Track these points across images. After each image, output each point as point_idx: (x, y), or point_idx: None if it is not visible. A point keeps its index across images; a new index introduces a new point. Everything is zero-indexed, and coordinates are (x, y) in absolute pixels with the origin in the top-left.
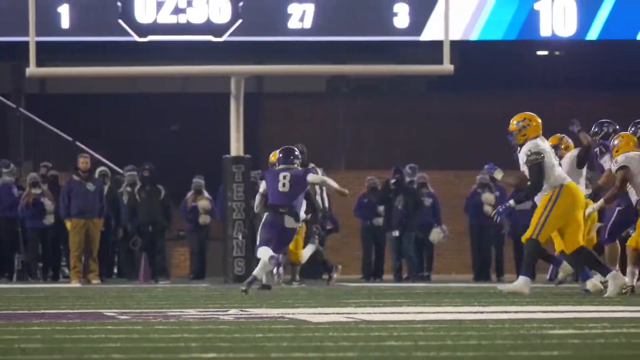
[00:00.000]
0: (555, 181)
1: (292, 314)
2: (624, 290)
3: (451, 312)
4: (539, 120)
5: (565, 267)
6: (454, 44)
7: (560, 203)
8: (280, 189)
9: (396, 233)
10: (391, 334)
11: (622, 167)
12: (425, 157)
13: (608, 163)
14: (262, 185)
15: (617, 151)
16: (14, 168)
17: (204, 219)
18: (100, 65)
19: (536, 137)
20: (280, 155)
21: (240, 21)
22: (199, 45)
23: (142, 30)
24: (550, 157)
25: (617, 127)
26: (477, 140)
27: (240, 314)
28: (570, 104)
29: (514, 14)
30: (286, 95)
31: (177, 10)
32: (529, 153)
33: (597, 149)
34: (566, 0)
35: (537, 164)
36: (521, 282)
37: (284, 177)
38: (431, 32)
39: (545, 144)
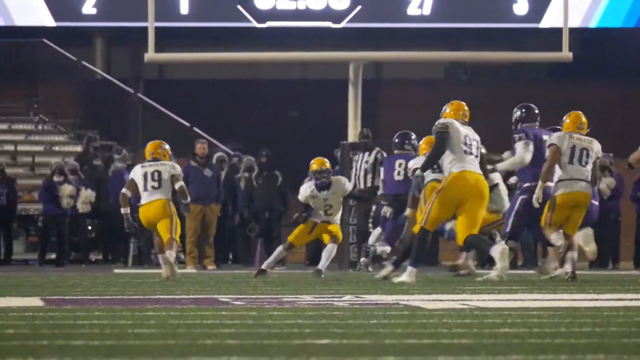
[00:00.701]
0: (446, 169)
1: (407, 300)
2: (567, 277)
3: (566, 300)
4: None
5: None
6: (572, 31)
7: (446, 191)
8: (396, 177)
9: None
10: (505, 320)
11: (552, 144)
12: None
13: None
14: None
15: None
16: (126, 154)
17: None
18: (219, 51)
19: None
20: (396, 140)
21: (359, 7)
22: (317, 31)
23: (261, 16)
24: (457, 141)
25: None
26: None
27: (355, 300)
28: None
29: (634, 1)
30: (404, 82)
31: None
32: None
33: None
34: None
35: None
36: (407, 272)
37: (399, 165)
38: (550, 19)
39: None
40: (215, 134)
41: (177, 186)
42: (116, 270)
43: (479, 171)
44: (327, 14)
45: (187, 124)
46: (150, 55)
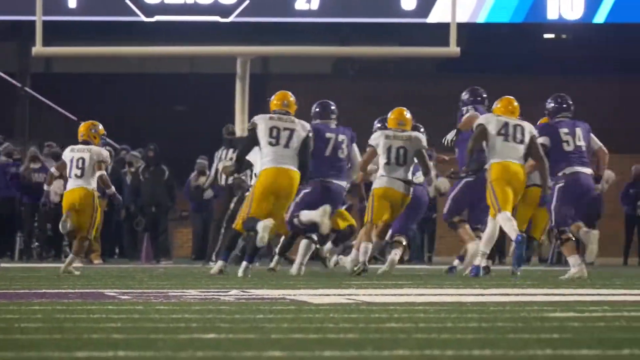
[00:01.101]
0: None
1: (293, 295)
2: (355, 268)
3: (452, 295)
4: None
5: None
6: (460, 26)
7: (258, 185)
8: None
9: None
10: (392, 315)
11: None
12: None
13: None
14: None
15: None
16: (9, 145)
17: (207, 193)
18: (107, 45)
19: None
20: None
21: (247, 2)
22: (205, 25)
23: (149, 10)
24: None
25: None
26: None
27: (241, 295)
28: (576, 87)
29: None
30: (292, 77)
31: None
32: None
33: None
34: None
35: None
36: (241, 268)
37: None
38: (438, 14)
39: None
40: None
41: (97, 174)
42: (2, 265)
43: None
44: (216, 8)
45: (74, 118)
46: (38, 49)
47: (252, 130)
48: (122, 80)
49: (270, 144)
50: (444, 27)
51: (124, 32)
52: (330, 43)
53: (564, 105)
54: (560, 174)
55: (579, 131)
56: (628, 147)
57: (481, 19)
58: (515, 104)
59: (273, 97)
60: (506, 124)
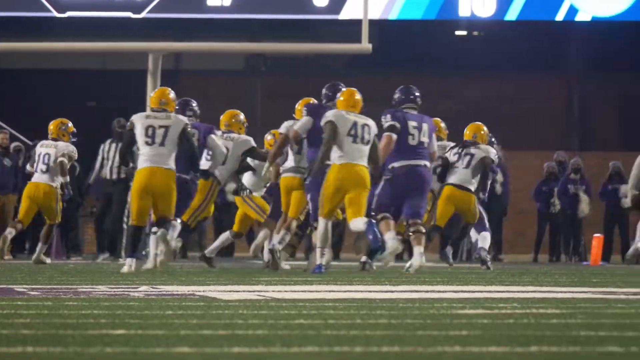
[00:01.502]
0: None
1: (203, 291)
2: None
3: (362, 291)
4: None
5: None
6: (372, 23)
7: (134, 184)
8: None
9: None
10: (301, 312)
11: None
12: None
13: None
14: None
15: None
16: None
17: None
18: (18, 40)
19: None
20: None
21: None
22: (118, 21)
23: (61, 5)
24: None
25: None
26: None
27: (151, 291)
28: (487, 84)
29: None
30: (204, 73)
31: None
32: None
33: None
34: None
35: None
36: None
37: None
38: (350, 10)
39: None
40: (14, 124)
41: (58, 160)
42: None
43: None
44: (128, 4)
45: None
46: None
47: (131, 130)
48: (34, 76)
49: (147, 143)
50: (355, 24)
51: (36, 28)
52: (242, 39)
53: (410, 97)
54: (394, 166)
55: (425, 127)
56: (540, 144)
57: (393, 15)
58: (357, 97)
59: (152, 94)
60: (355, 124)
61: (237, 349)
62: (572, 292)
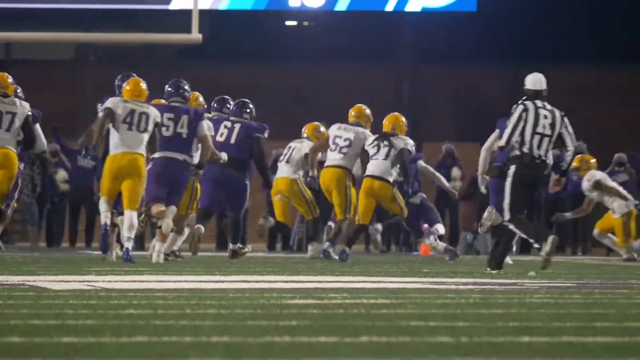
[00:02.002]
0: None
1: (33, 281)
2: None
3: (192, 281)
4: None
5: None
6: (203, 13)
7: None
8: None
9: None
10: (131, 302)
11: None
12: None
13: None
14: None
15: None
16: None
17: None
18: None
19: None
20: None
21: None
22: None
23: None
24: None
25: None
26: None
27: None
28: (318, 74)
29: None
30: (35, 63)
31: None
32: None
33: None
34: None
35: None
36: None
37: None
38: (180, 1)
39: None
40: None
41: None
42: None
43: None
44: None
45: None
46: None
47: None
48: None
49: None
50: (186, 14)
51: None
52: (72, 29)
53: (180, 90)
54: (154, 156)
55: (185, 118)
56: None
57: (223, 5)
58: (143, 86)
59: None
60: (132, 112)
61: (67, 339)
62: (403, 282)
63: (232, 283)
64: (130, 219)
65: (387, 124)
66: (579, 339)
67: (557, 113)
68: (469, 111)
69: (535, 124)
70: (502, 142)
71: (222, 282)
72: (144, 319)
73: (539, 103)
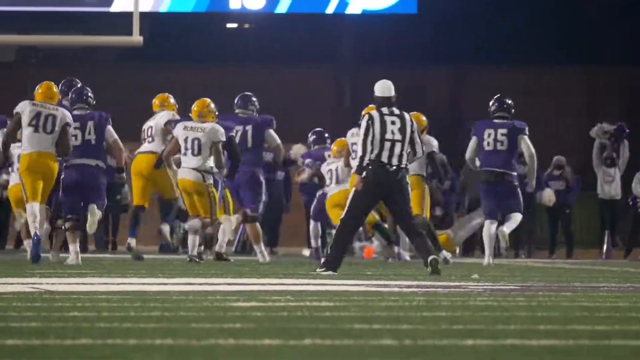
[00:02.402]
0: None
1: None
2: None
3: (136, 284)
4: None
5: None
6: (143, 15)
7: None
8: None
9: None
10: (75, 304)
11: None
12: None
13: None
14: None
15: None
16: None
17: None
18: None
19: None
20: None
21: None
22: None
23: None
24: None
25: None
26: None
27: None
28: (258, 77)
29: None
30: None
31: None
32: None
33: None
34: None
35: None
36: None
37: None
38: (121, 3)
39: None
40: None
41: None
42: None
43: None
44: None
45: None
46: None
47: None
48: None
49: None
50: (127, 16)
51: None
52: (12, 31)
53: (84, 97)
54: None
55: (90, 124)
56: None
57: (164, 8)
58: (55, 89)
59: None
60: (39, 114)
61: (11, 342)
62: (346, 284)
63: (176, 285)
64: (33, 212)
65: None
66: (523, 342)
67: (407, 117)
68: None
69: (383, 131)
70: (360, 155)
71: (166, 284)
72: (88, 322)
73: (385, 110)
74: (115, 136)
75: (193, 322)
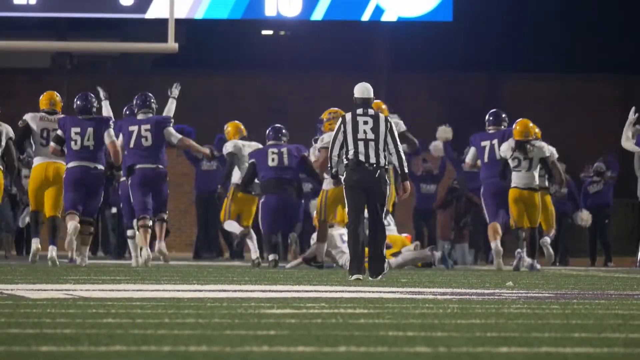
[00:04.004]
0: None
1: (11, 289)
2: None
3: (170, 290)
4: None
5: None
6: (179, 22)
7: None
8: None
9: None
10: (109, 311)
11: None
12: None
13: None
14: None
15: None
16: None
17: None
18: None
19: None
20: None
21: None
22: None
23: None
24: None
25: None
26: (204, 121)
27: None
28: (296, 84)
29: None
30: (10, 71)
31: None
32: None
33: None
34: None
35: None
36: None
37: None
38: (156, 9)
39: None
40: None
41: None
42: None
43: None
44: None
45: None
46: None
47: None
48: None
49: None
50: (162, 23)
51: None
52: (48, 37)
53: (87, 105)
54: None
55: (90, 130)
56: None
57: (199, 15)
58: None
59: None
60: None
61: (45, 348)
62: (380, 292)
63: (210, 292)
64: None
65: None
66: (558, 349)
67: (382, 117)
68: (446, 120)
69: (355, 131)
70: (330, 155)
71: (200, 291)
72: (122, 328)
73: (359, 111)
74: (114, 138)
75: (227, 329)
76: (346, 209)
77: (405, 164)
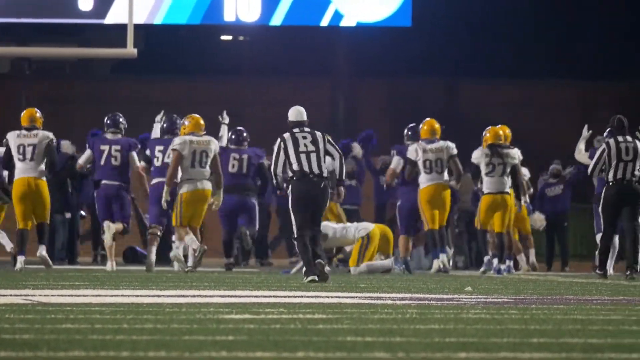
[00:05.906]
0: None
1: None
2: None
3: (129, 296)
4: None
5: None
6: (138, 27)
7: None
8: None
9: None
10: (68, 316)
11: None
12: None
13: None
14: None
15: None
16: None
17: None
18: None
19: None
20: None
21: None
22: None
23: None
24: None
25: None
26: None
27: None
28: (256, 89)
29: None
30: None
31: None
32: None
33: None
34: None
35: None
36: None
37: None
38: (115, 15)
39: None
40: None
41: None
42: None
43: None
44: None
45: None
46: None
47: None
48: None
49: None
50: (121, 28)
51: None
52: (8, 43)
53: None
54: None
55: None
56: None
57: (158, 20)
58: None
59: None
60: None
61: (4, 354)
62: (339, 297)
63: (169, 297)
64: None
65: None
66: (516, 355)
67: (318, 133)
68: (405, 125)
69: (296, 145)
70: (274, 171)
71: (159, 296)
72: (81, 334)
73: (296, 130)
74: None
75: (186, 334)
76: (293, 221)
77: (344, 171)
